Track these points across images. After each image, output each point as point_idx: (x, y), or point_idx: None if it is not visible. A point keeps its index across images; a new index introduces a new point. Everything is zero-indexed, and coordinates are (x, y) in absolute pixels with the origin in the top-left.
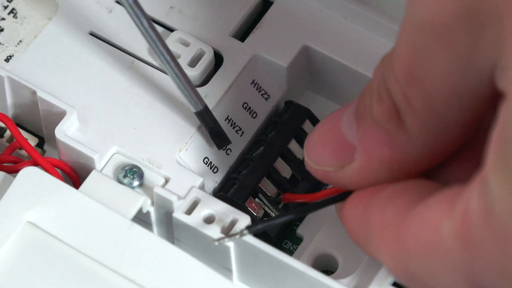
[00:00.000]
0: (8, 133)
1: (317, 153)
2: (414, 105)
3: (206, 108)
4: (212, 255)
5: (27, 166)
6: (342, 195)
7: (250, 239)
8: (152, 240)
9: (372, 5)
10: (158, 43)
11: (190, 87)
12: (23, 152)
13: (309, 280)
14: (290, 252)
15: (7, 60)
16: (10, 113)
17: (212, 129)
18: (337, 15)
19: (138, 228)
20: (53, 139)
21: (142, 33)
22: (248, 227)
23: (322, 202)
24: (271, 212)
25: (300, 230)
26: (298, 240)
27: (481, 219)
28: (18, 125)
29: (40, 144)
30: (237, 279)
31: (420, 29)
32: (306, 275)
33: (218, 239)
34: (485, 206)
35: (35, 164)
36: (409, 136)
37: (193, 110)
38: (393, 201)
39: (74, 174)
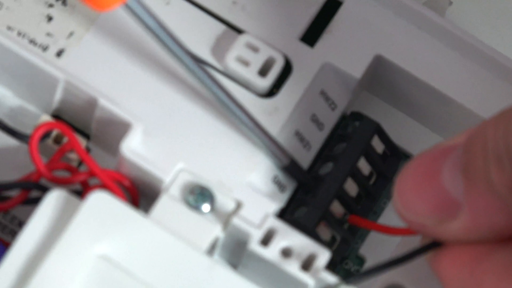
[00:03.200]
0: (54, 133)
1: (414, 205)
2: None
3: (292, 161)
4: (283, 285)
5: (95, 189)
6: (434, 244)
7: None
8: (236, 282)
9: (449, 19)
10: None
11: (272, 142)
12: (71, 155)
13: None
14: (351, 273)
15: (58, 54)
16: (53, 107)
17: (301, 181)
18: (409, 24)
19: (220, 268)
20: (101, 141)
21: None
22: (345, 279)
23: (415, 251)
24: (337, 236)
25: (363, 251)
26: (359, 261)
27: None
28: (59, 117)
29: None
30: None
31: None
32: None
33: None
34: None
35: (92, 175)
36: None
37: (279, 166)
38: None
39: (134, 189)
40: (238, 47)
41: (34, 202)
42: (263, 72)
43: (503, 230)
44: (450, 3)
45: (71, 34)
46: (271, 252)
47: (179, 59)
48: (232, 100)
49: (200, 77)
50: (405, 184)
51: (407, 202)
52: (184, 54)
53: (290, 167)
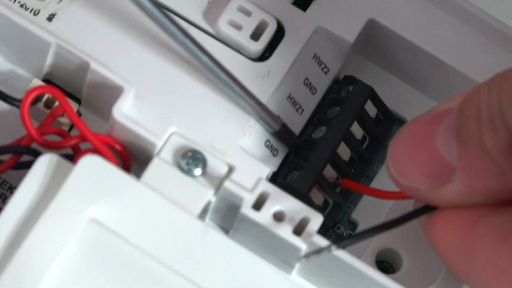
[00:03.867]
0: (45, 97)
1: (408, 169)
2: None
3: (283, 126)
4: (275, 250)
5: (86, 153)
6: (428, 208)
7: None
8: (228, 247)
9: None
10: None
11: (262, 109)
12: (62, 119)
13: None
14: (343, 237)
15: (49, 19)
16: (44, 71)
17: (292, 146)
18: None
19: (213, 233)
20: (93, 105)
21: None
22: (336, 243)
23: (408, 215)
24: (329, 200)
25: (355, 215)
26: (352, 225)
27: None
28: (49, 81)
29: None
30: (296, 273)
31: None
32: (379, 284)
33: (306, 256)
34: None
35: (84, 139)
36: None
37: (270, 131)
38: (506, 244)
39: (125, 153)
40: (230, 11)
41: (26, 166)
42: (255, 36)
43: (497, 193)
44: None
45: None
46: (263, 216)
47: (167, 30)
48: (222, 68)
49: (189, 47)
50: (399, 149)
51: (401, 167)
52: (172, 25)
53: (281, 133)
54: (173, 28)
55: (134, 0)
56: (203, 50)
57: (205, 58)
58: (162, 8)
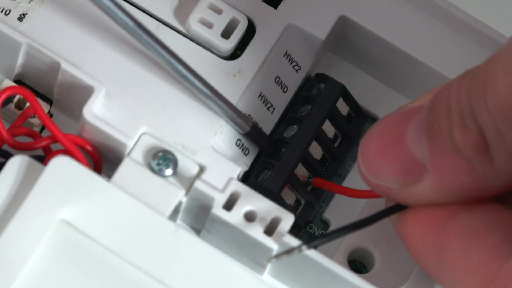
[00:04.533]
0: (16, 98)
1: (378, 167)
2: (507, 140)
3: (254, 127)
4: (246, 250)
5: (57, 155)
6: (399, 206)
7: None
8: (199, 248)
9: None
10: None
11: (232, 110)
12: (33, 120)
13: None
14: (315, 237)
15: (20, 18)
16: (15, 72)
17: (263, 146)
18: None
19: (184, 234)
20: (64, 105)
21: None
22: (307, 243)
23: (379, 213)
24: (301, 199)
25: (327, 214)
26: (324, 225)
27: None
28: (20, 82)
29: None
30: (267, 273)
31: None
32: (352, 284)
33: (277, 256)
34: None
35: (55, 140)
36: (495, 168)
37: (240, 132)
38: (478, 241)
39: (96, 153)
40: (201, 9)
41: None
42: (226, 34)
43: (468, 191)
44: None
45: None
46: (235, 217)
47: (132, 33)
48: (190, 70)
49: (156, 49)
50: (370, 147)
51: (372, 166)
52: (138, 28)
53: (252, 134)
54: (139, 31)
55: (97, 2)
56: (171, 53)
57: (173, 61)
58: (133, 5)
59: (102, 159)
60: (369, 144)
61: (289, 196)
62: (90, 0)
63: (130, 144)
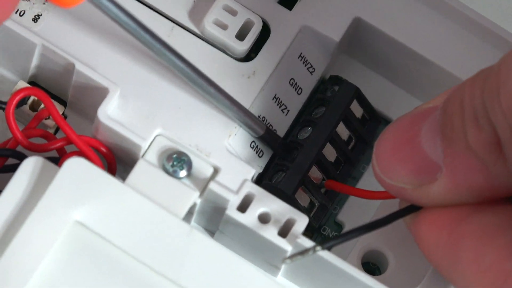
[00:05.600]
0: (31, 99)
1: (393, 168)
2: None
3: (267, 130)
4: (260, 252)
5: (72, 156)
6: (413, 207)
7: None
8: (213, 249)
9: None
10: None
11: (246, 115)
12: (48, 122)
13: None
14: (329, 238)
15: (35, 20)
16: (30, 73)
17: (277, 149)
18: None
19: (198, 235)
20: (78, 107)
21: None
22: (321, 244)
23: (393, 215)
24: (315, 201)
25: (341, 217)
26: (338, 227)
27: None
28: (35, 83)
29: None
30: (281, 275)
31: None
32: (366, 285)
33: (291, 257)
34: None
35: (69, 142)
36: (508, 168)
37: (254, 136)
38: (491, 241)
39: (111, 155)
40: (216, 10)
41: (11, 169)
42: (241, 36)
43: (482, 191)
44: None
45: None
46: (249, 218)
47: (150, 46)
48: (203, 76)
49: (169, 57)
50: (384, 148)
51: (386, 167)
52: (154, 40)
53: (265, 137)
54: (150, 39)
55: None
56: (184, 60)
57: (187, 68)
58: (147, 6)
59: (116, 160)
60: (384, 145)
61: (303, 198)
62: (100, 10)
63: (144, 145)
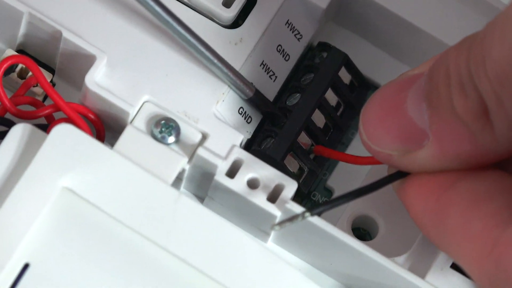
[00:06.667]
0: (19, 67)
1: (379, 135)
2: (507, 107)
3: (257, 92)
4: (249, 217)
5: (60, 123)
6: (400, 173)
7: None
8: (202, 215)
9: None
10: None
11: (235, 75)
12: (36, 89)
13: (357, 255)
14: (319, 204)
15: None
16: (17, 41)
17: (266, 113)
18: None
19: (187, 200)
20: (66, 75)
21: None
22: (310, 210)
23: (381, 180)
24: (304, 167)
25: (331, 182)
26: (327, 192)
27: None
28: (23, 51)
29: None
30: (271, 241)
31: None
32: (355, 250)
33: (280, 224)
34: None
35: (57, 109)
36: (495, 135)
37: (244, 98)
38: (478, 209)
39: (99, 122)
40: None
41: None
42: (227, 2)
43: (469, 158)
44: None
45: None
46: (237, 184)
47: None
48: (194, 35)
49: (161, 15)
50: (370, 115)
51: (372, 134)
52: None
53: (255, 99)
54: None
55: None
56: (175, 18)
57: (177, 26)
58: None
59: (105, 127)
60: (370, 112)
61: (292, 164)
62: None
63: (132, 112)
